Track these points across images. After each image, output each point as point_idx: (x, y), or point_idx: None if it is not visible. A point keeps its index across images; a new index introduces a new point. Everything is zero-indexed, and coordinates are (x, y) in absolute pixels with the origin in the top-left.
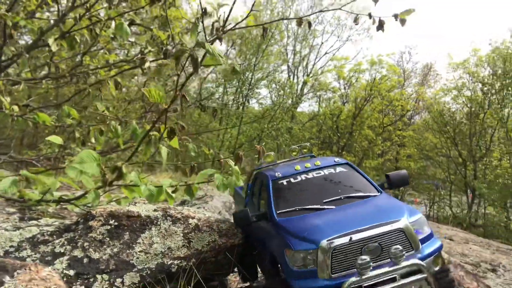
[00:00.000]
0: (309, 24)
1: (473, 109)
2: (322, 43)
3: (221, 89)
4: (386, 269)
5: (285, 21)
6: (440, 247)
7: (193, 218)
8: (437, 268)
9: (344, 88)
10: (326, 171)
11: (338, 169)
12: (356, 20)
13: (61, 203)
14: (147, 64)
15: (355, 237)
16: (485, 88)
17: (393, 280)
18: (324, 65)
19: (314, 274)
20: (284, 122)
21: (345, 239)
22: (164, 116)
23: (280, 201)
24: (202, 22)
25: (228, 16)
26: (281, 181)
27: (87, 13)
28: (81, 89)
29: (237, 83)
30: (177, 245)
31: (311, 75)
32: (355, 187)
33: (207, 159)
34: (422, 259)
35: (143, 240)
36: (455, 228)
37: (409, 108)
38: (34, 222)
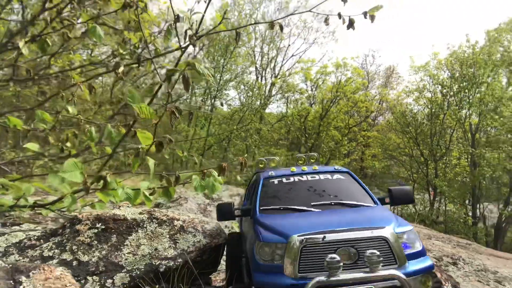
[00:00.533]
0: (281, 27)
1: (433, 110)
2: (289, 45)
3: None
4: (360, 275)
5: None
6: (431, 267)
7: (178, 220)
8: None
9: (311, 90)
10: (322, 176)
11: (336, 176)
12: (326, 21)
13: (36, 208)
14: (121, 69)
15: (329, 237)
16: (444, 90)
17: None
18: (291, 67)
19: (280, 270)
20: (253, 123)
21: (317, 237)
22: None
23: (266, 199)
24: (175, 28)
25: (201, 22)
26: (272, 180)
27: (59, 16)
28: (55, 93)
29: (205, 85)
30: (164, 246)
31: (278, 76)
32: (350, 195)
33: (191, 166)
34: (406, 275)
35: (130, 242)
36: (419, 225)
37: (373, 109)
38: (17, 227)
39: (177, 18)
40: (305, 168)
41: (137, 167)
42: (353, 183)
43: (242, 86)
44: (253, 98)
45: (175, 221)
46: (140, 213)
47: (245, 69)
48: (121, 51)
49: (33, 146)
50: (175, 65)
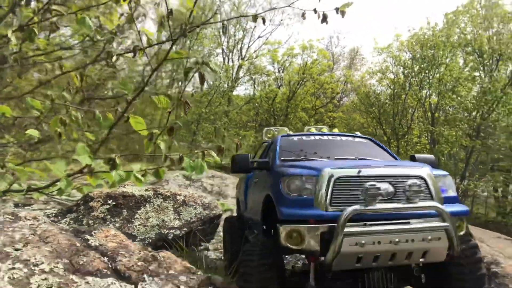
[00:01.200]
0: (263, 20)
1: (395, 90)
2: (255, 26)
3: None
4: (399, 205)
5: (218, 2)
6: (467, 212)
7: (180, 195)
8: (461, 233)
9: (279, 72)
10: (343, 138)
11: (358, 139)
12: (303, 15)
13: (28, 192)
14: (114, 58)
15: (365, 171)
16: (406, 71)
17: (405, 222)
18: (258, 49)
19: (310, 203)
20: (221, 106)
21: (352, 171)
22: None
23: (286, 152)
24: (168, 21)
25: (190, 15)
26: (291, 137)
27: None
28: (46, 81)
29: (172, 67)
30: (170, 218)
31: (246, 58)
32: (374, 154)
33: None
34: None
35: (140, 215)
36: None
37: (338, 90)
38: (29, 207)
39: (170, 12)
40: (325, 130)
41: (150, 150)
42: (377, 147)
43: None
44: (220, 81)
45: (178, 196)
46: (146, 190)
47: (212, 51)
48: (98, 37)
49: (33, 132)
50: (165, 55)
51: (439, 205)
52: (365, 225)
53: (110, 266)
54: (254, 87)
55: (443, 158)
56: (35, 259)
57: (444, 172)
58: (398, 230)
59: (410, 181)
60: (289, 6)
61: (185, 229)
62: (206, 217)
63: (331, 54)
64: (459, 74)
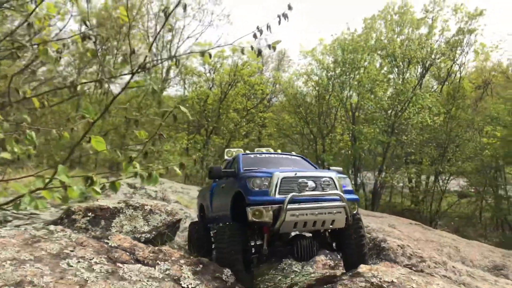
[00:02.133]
0: (210, 55)
1: (320, 92)
2: (184, 26)
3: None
4: (317, 192)
5: (145, 1)
6: (358, 199)
7: (147, 205)
8: (355, 212)
9: (210, 73)
10: (284, 156)
11: (293, 157)
12: (242, 51)
13: None
14: (79, 87)
15: (299, 174)
16: (329, 74)
17: (321, 202)
18: (187, 49)
19: (266, 193)
20: (152, 108)
21: (292, 173)
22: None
23: (247, 165)
24: (130, 59)
25: (150, 48)
26: (249, 155)
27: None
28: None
29: (98, 68)
30: (140, 225)
31: (176, 59)
32: (303, 166)
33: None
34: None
35: (115, 224)
36: None
37: (268, 91)
38: (9, 223)
39: (132, 51)
40: (271, 150)
41: (128, 172)
42: (306, 162)
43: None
44: (150, 82)
45: (145, 206)
46: (118, 203)
47: (139, 51)
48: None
49: (6, 154)
50: (124, 86)
51: (340, 193)
52: (299, 204)
53: (133, 257)
54: (184, 87)
55: (363, 154)
56: (86, 256)
57: (345, 176)
58: (317, 207)
59: (323, 179)
60: (231, 44)
61: (154, 232)
62: (170, 222)
63: (258, 53)
64: (376, 76)
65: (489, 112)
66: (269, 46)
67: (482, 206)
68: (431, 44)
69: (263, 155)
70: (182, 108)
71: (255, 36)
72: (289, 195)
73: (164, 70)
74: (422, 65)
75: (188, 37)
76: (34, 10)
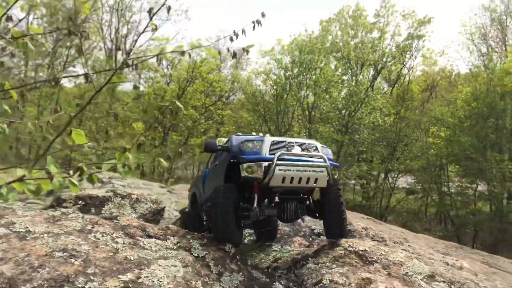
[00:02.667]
0: (189, 55)
1: (278, 91)
2: (140, 20)
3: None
4: (303, 152)
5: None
6: (338, 166)
7: (133, 194)
8: (336, 176)
9: (167, 69)
10: None
11: None
12: (219, 53)
13: None
14: (59, 82)
15: (288, 140)
16: (287, 74)
17: (307, 161)
18: (143, 44)
19: (258, 153)
20: (105, 102)
21: (281, 139)
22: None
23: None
24: (115, 56)
25: (132, 48)
26: (239, 135)
27: None
28: None
29: (49, 60)
30: (128, 212)
31: (131, 53)
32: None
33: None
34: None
35: (105, 211)
36: None
37: (226, 89)
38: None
39: (118, 48)
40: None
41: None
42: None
43: (92, 63)
44: (105, 77)
45: (132, 195)
46: (107, 192)
47: (96, 45)
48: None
49: None
50: (107, 82)
51: (323, 155)
52: (287, 161)
53: (145, 233)
54: (139, 82)
55: None
56: (107, 232)
57: (327, 147)
58: (303, 165)
59: (308, 144)
60: (208, 46)
61: (141, 219)
62: (155, 209)
63: (218, 52)
64: (331, 78)
65: (434, 114)
66: (243, 49)
67: (427, 202)
68: (383, 48)
69: (253, 136)
70: (178, 103)
71: (231, 39)
72: (279, 152)
73: (118, 65)
74: (374, 68)
75: (144, 31)
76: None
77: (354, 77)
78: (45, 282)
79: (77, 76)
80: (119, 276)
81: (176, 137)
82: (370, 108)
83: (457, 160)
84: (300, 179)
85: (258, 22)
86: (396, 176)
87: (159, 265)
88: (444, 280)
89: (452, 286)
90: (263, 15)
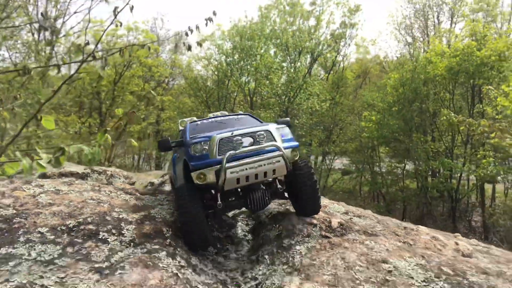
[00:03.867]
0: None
1: (219, 77)
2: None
3: None
4: (253, 147)
5: None
6: (297, 146)
7: (108, 171)
8: (296, 158)
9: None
10: (230, 117)
11: (240, 116)
12: (176, 47)
13: None
14: (32, 72)
15: (236, 133)
16: (228, 59)
17: (260, 156)
18: (75, 26)
19: (207, 157)
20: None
21: (228, 134)
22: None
23: (193, 133)
24: (83, 50)
25: (98, 42)
26: (195, 122)
27: None
28: None
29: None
30: (105, 184)
31: (62, 35)
32: (249, 123)
33: None
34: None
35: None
36: None
37: (167, 75)
38: None
39: (87, 43)
40: (218, 114)
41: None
42: (252, 119)
43: (17, 45)
44: (31, 59)
45: (107, 171)
46: (85, 169)
47: (23, 26)
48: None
49: None
50: (76, 71)
51: (276, 143)
52: (238, 161)
53: (138, 193)
54: (69, 68)
55: None
56: (112, 191)
57: (283, 126)
58: (256, 161)
59: (259, 133)
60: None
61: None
62: (127, 184)
63: (156, 36)
64: (271, 64)
65: (366, 99)
66: (197, 43)
67: (361, 181)
68: (318, 36)
69: (209, 120)
70: (153, 92)
71: (186, 34)
72: (227, 154)
73: (48, 48)
74: (311, 55)
75: (75, 12)
76: None
77: (292, 64)
78: (92, 215)
79: (50, 66)
80: (136, 212)
81: (113, 124)
82: (308, 94)
83: (386, 142)
84: (256, 175)
85: (210, 20)
86: (332, 158)
87: (159, 208)
88: (354, 214)
89: (359, 216)
90: (214, 13)
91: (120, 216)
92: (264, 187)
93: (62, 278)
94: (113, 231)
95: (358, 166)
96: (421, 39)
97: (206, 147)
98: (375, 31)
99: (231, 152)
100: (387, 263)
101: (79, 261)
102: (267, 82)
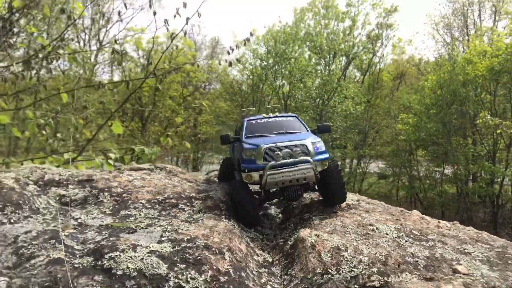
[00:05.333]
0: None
1: (254, 81)
2: (113, 9)
3: None
4: (290, 160)
5: None
6: (327, 158)
7: (167, 167)
8: (325, 167)
9: (143, 58)
10: (279, 119)
11: (288, 118)
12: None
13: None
14: (106, 88)
15: (279, 144)
16: (263, 64)
17: (294, 165)
18: (117, 34)
19: (254, 161)
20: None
21: (273, 145)
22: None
23: (248, 130)
24: (148, 66)
25: (158, 61)
26: (251, 121)
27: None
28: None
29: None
30: (172, 175)
31: (107, 44)
32: (294, 128)
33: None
34: (314, 160)
35: (153, 177)
36: None
37: (204, 80)
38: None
39: (150, 63)
40: (271, 114)
41: (165, 142)
42: (297, 122)
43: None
44: (78, 68)
45: (167, 168)
46: (149, 165)
47: (68, 35)
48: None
49: (16, 131)
50: (140, 84)
51: (309, 158)
52: (276, 169)
53: (197, 182)
54: (112, 72)
55: None
56: (179, 180)
57: (318, 139)
58: (291, 170)
59: (296, 148)
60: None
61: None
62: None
63: (193, 42)
64: (305, 67)
65: (402, 101)
66: (237, 60)
67: (398, 186)
68: (354, 37)
69: (263, 120)
70: (204, 103)
71: (228, 52)
72: (269, 164)
73: (93, 55)
74: (346, 57)
75: (117, 21)
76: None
77: (327, 67)
78: (172, 194)
79: (116, 82)
80: (200, 194)
81: (154, 128)
82: (342, 97)
83: (424, 145)
84: (290, 181)
85: (248, 40)
86: (367, 161)
87: (215, 192)
88: (364, 201)
89: (368, 203)
90: (251, 34)
91: (190, 195)
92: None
93: (169, 223)
94: (187, 203)
95: (394, 170)
96: (460, 38)
97: (255, 153)
98: (411, 32)
99: (272, 162)
100: (372, 226)
101: (172, 218)
102: (301, 85)
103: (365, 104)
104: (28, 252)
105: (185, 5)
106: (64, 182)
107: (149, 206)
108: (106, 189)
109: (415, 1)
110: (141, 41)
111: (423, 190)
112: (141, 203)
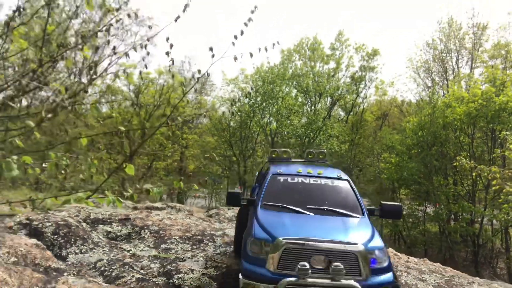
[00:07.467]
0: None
1: (242, 118)
2: (105, 45)
3: None
4: (324, 281)
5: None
6: (390, 282)
7: (176, 205)
8: None
9: (133, 93)
10: (323, 181)
11: (336, 182)
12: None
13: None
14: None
15: (309, 245)
16: (251, 102)
17: None
18: (108, 67)
19: (263, 263)
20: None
21: (299, 243)
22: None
23: (270, 194)
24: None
25: (171, 113)
26: (279, 178)
27: None
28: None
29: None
30: (189, 214)
31: (98, 77)
32: (342, 203)
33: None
34: (367, 286)
35: (165, 215)
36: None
37: (193, 116)
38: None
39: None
40: (311, 171)
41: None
42: (349, 192)
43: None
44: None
45: (176, 206)
46: (162, 204)
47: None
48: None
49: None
50: (154, 131)
51: (356, 284)
52: None
53: (204, 218)
54: (99, 105)
55: None
56: (196, 218)
57: (380, 245)
58: None
59: (335, 263)
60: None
61: None
62: (190, 213)
63: (183, 78)
64: (292, 106)
65: (385, 141)
66: (207, 74)
67: (382, 223)
68: (338, 79)
69: (296, 180)
70: (177, 133)
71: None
72: (284, 281)
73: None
74: (331, 98)
75: (109, 55)
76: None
77: (313, 106)
78: (196, 231)
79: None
80: (217, 231)
81: (142, 161)
82: (327, 136)
83: (407, 184)
84: None
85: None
86: None
87: (228, 229)
88: None
89: None
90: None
91: (211, 233)
92: None
93: (199, 253)
94: (210, 239)
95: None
96: (440, 83)
97: (267, 249)
98: (392, 73)
99: (291, 279)
100: None
101: (202, 251)
102: (288, 122)
103: (349, 143)
104: (113, 274)
105: (171, 46)
106: (108, 220)
107: (181, 242)
108: (145, 227)
109: (398, 43)
110: (132, 76)
111: (407, 228)
112: (175, 238)
